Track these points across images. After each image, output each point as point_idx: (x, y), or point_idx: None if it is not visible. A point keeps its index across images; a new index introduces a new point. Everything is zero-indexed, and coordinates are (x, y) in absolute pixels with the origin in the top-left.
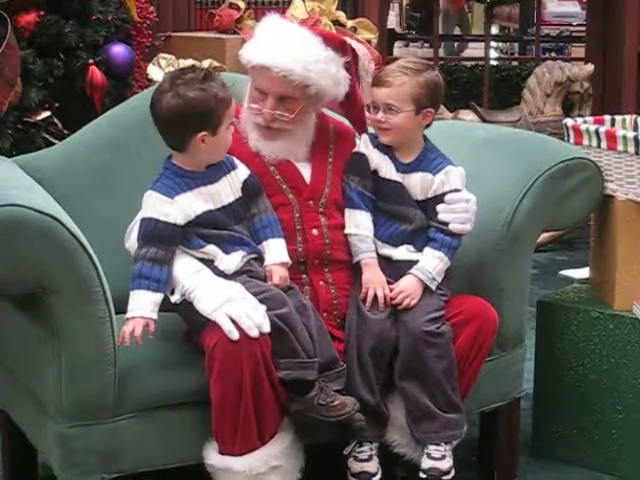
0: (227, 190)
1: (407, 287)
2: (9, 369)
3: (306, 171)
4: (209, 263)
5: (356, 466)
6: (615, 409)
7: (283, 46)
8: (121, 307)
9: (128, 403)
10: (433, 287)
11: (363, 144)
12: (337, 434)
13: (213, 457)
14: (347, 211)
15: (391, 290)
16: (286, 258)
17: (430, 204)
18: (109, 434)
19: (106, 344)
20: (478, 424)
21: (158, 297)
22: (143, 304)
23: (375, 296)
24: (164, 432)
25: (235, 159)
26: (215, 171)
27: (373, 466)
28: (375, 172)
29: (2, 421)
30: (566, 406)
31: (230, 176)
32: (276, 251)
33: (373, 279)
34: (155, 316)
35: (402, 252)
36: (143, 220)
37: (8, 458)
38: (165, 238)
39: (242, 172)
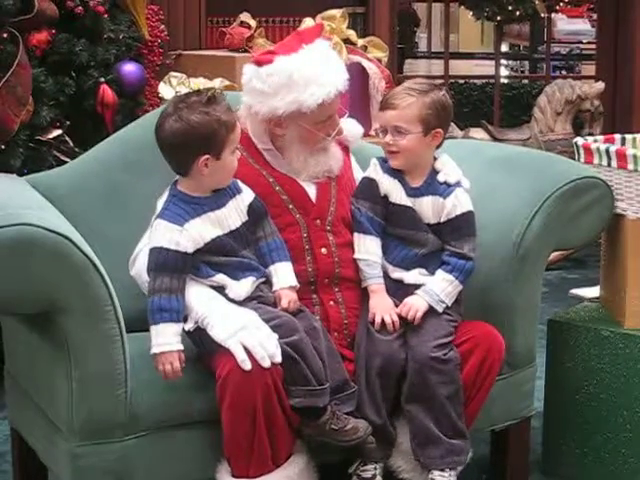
0: (234, 215)
1: (409, 300)
2: (21, 387)
3: (311, 190)
4: (220, 290)
5: None
6: (625, 428)
7: (329, 66)
8: (132, 326)
9: (139, 422)
10: (439, 309)
11: (373, 169)
12: (344, 453)
13: None
14: (357, 236)
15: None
16: (294, 282)
17: (444, 228)
18: (120, 453)
19: (117, 363)
20: (489, 443)
21: (180, 327)
22: (170, 338)
23: (383, 321)
24: (175, 451)
25: (239, 182)
26: (221, 196)
27: None
28: (385, 197)
29: (14, 439)
30: (576, 425)
31: (235, 200)
32: (284, 275)
33: (380, 305)
34: (182, 346)
35: (414, 275)
36: (153, 250)
37: (20, 477)
38: (177, 267)
39: (247, 195)
